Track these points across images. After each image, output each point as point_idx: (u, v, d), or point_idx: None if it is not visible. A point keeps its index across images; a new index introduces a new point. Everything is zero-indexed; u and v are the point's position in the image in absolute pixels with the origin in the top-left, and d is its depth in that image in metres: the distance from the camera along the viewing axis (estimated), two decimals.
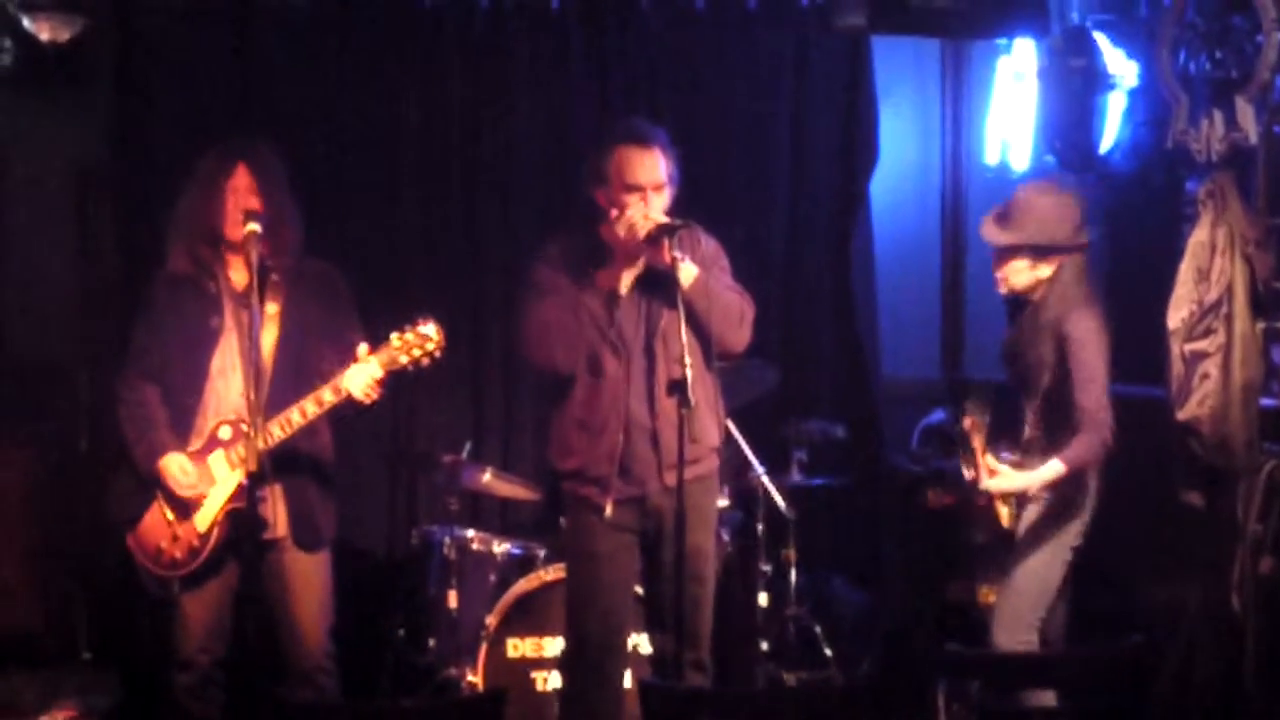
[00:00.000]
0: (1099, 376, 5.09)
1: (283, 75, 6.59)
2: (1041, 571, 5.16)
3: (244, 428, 4.83)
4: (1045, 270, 5.21)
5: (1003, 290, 5.35)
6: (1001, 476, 5.09)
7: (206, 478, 4.94)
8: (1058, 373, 5.15)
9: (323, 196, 6.56)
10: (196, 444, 4.97)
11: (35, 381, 6.61)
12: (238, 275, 5.01)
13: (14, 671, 6.22)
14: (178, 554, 4.95)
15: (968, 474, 5.14)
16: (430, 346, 4.87)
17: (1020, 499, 5.20)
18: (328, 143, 6.61)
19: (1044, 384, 5.18)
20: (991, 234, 5.31)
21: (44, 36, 6.25)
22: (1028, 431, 5.26)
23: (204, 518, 4.94)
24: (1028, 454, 5.20)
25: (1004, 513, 5.18)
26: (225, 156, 4.97)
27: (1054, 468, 5.04)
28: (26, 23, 6.23)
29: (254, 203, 4.90)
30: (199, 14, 6.51)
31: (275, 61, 6.59)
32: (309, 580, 5.06)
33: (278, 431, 4.87)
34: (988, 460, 5.11)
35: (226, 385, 4.98)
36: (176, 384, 5.00)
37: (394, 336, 4.88)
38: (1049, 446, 5.12)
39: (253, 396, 4.69)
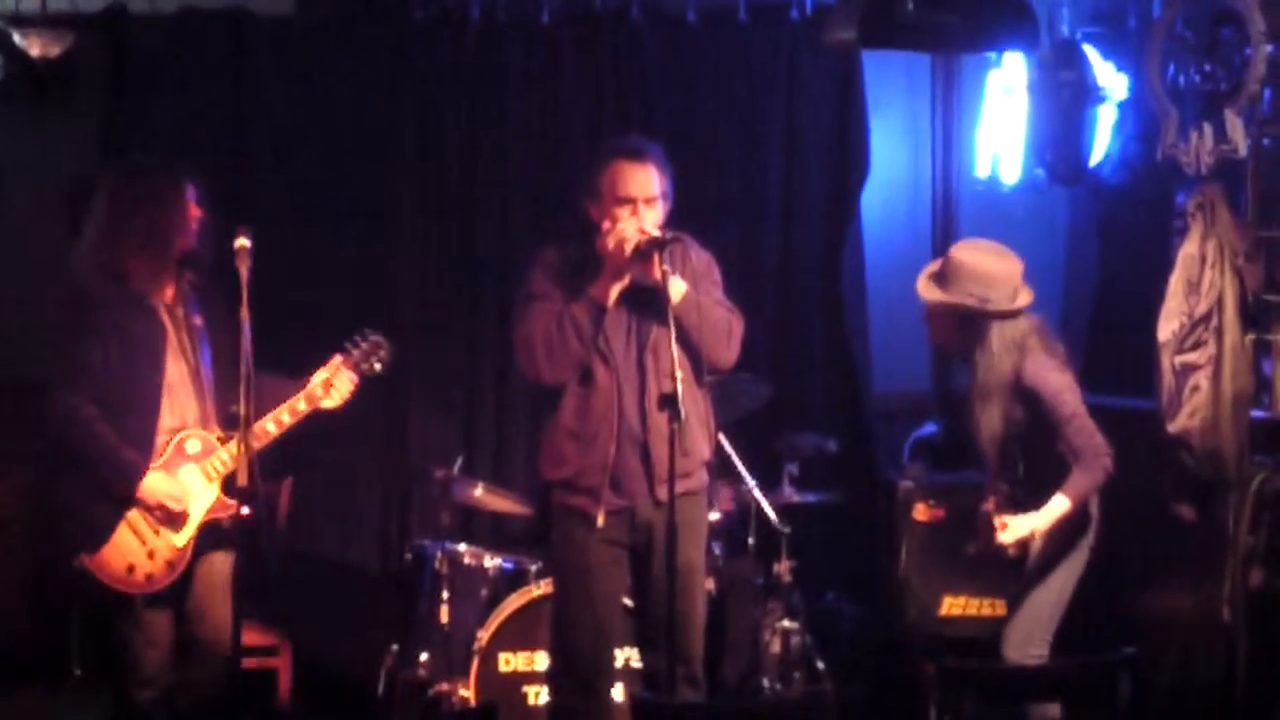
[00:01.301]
0: (1079, 411, 5.03)
1: (275, 90, 6.58)
2: (1054, 592, 5.15)
3: (214, 440, 4.90)
4: (975, 335, 5.12)
5: (933, 343, 5.33)
6: (1012, 527, 5.04)
7: (185, 491, 4.92)
8: (1028, 424, 5.10)
9: (316, 211, 6.58)
10: (157, 461, 4.91)
11: (28, 397, 6.59)
12: (167, 289, 4.98)
13: (5, 688, 6.20)
14: (154, 570, 4.90)
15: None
16: (383, 354, 5.16)
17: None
18: (321, 157, 6.60)
19: (1012, 443, 5.14)
20: (926, 291, 5.22)
21: (34, 52, 6.25)
22: (1021, 471, 5.23)
23: (184, 533, 4.92)
24: (1027, 491, 5.17)
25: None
26: (176, 176, 5.00)
27: (1060, 504, 4.99)
28: (17, 38, 6.23)
29: (199, 219, 4.97)
30: (191, 29, 6.52)
31: (268, 76, 6.59)
32: (224, 576, 4.99)
33: (253, 444, 4.80)
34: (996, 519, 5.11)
35: (182, 399, 4.95)
36: (121, 401, 4.89)
37: (350, 348, 5.10)
38: (1043, 486, 5.09)
39: (244, 409, 4.59)
